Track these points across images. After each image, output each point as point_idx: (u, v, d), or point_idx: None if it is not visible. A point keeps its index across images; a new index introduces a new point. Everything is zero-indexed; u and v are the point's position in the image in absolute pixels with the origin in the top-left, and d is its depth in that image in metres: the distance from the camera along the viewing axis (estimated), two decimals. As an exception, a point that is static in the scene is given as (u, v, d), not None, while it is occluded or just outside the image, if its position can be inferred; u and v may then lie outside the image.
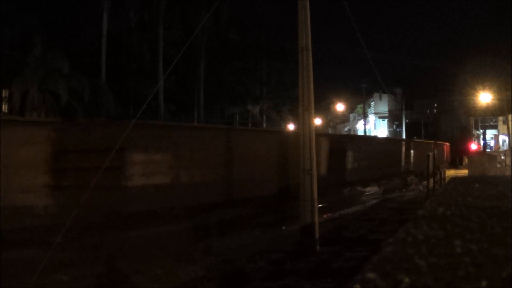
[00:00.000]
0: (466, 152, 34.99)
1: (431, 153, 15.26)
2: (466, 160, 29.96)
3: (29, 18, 23.45)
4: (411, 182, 21.82)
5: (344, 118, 64.03)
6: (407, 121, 54.53)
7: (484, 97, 35.62)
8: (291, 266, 6.84)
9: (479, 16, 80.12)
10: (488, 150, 37.69)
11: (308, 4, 7.95)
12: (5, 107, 15.98)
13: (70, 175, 8.05)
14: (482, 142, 39.72)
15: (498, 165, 23.88)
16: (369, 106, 57.28)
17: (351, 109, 61.07)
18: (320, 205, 8.65)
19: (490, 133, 43.85)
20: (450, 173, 24.79)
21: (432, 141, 29.28)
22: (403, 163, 20.35)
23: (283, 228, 10.23)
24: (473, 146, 39.30)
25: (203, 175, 10.04)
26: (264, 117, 37.29)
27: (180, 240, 8.50)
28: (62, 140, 8.05)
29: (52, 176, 7.83)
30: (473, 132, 44.18)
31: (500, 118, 40.28)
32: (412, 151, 21.74)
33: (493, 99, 35.40)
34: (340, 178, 14.36)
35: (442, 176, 17.27)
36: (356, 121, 61.01)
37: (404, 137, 46.70)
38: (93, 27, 26.43)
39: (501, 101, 34.90)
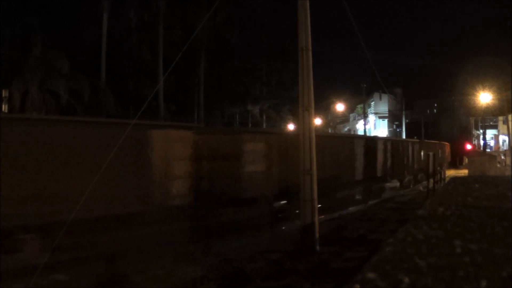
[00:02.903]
0: (466, 152, 35.00)
1: (431, 153, 15.26)
2: (466, 160, 29.96)
3: (29, 18, 23.41)
4: (379, 191, 17.06)
5: (344, 118, 64.05)
6: (407, 121, 54.57)
7: (484, 97, 35.63)
8: (291, 266, 6.84)
9: (479, 16, 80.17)
10: (488, 150, 37.72)
11: (308, 4, 7.95)
12: (5, 107, 15.98)
13: None
14: (482, 142, 39.77)
15: (498, 165, 23.90)
16: (369, 106, 57.30)
17: (351, 109, 61.09)
18: None
19: (490, 133, 43.87)
20: (450, 173, 24.80)
21: (417, 140, 25.20)
22: (359, 169, 15.08)
23: (283, 228, 10.24)
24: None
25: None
26: (264, 117, 37.30)
27: None
28: None
29: None
30: (473, 132, 44.21)
31: (500, 118, 40.30)
32: (379, 154, 16.83)
33: (493, 99, 35.41)
34: (231, 192, 9.65)
35: (442, 176, 17.24)
36: (356, 121, 61.03)
37: (404, 137, 46.67)
38: (93, 27, 26.43)
39: (501, 101, 34.93)
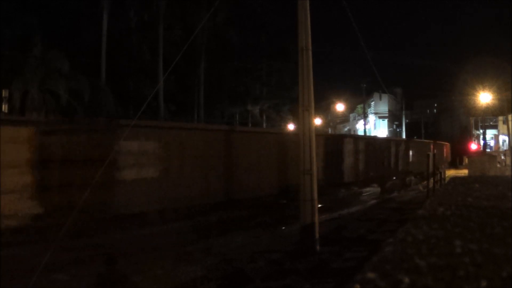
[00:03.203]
0: (466, 152, 35.00)
1: (430, 154, 15.21)
2: (466, 160, 29.95)
3: (29, 18, 23.42)
4: (348, 199, 14.63)
5: (344, 118, 64.02)
6: (407, 121, 54.56)
7: (484, 97, 35.63)
8: (291, 266, 6.84)
9: (479, 16, 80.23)
10: (488, 150, 37.72)
11: (308, 4, 7.95)
12: (5, 107, 15.97)
13: None
14: (482, 142, 39.75)
15: (498, 165, 23.89)
16: (369, 106, 57.26)
17: (351, 109, 61.05)
18: None
19: (490, 133, 43.86)
20: (450, 173, 24.79)
21: (402, 139, 22.88)
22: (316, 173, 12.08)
23: (283, 228, 10.22)
24: (473, 146, 39.33)
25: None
26: (264, 117, 37.31)
27: None
28: None
29: None
30: (473, 132, 44.19)
31: (500, 118, 40.27)
32: (347, 155, 14.23)
33: (493, 99, 35.41)
34: (99, 208, 7.64)
35: (442, 176, 17.18)
36: (356, 121, 60.99)
37: (404, 137, 46.63)
38: (93, 27, 26.44)
39: (501, 101, 34.92)
